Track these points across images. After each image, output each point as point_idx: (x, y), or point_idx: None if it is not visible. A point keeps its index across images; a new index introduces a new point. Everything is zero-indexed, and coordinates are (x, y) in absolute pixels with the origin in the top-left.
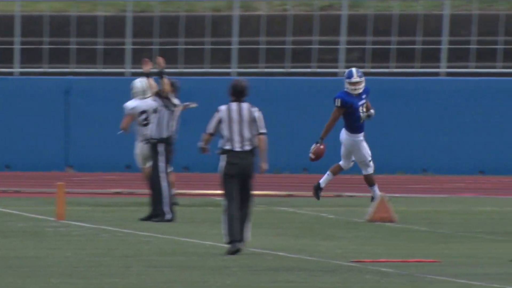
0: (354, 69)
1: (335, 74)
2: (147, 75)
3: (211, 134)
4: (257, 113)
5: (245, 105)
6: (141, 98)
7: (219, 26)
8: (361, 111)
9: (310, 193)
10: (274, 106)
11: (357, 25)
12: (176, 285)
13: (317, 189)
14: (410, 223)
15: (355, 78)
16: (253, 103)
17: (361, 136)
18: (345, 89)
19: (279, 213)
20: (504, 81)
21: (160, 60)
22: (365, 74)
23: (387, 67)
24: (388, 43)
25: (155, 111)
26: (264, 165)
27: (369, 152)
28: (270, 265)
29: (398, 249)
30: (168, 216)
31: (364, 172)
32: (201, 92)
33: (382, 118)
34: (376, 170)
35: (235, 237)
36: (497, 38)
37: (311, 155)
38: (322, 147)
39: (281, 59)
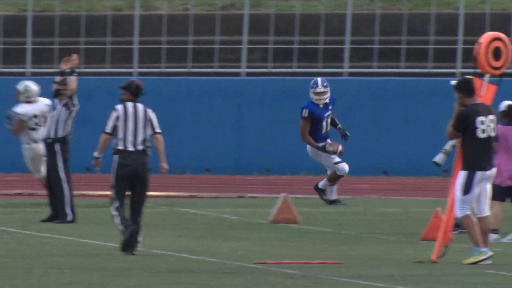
0: (319, 79)
1: (237, 74)
2: (61, 73)
3: (110, 134)
4: (152, 114)
5: (140, 106)
6: (30, 101)
7: (120, 26)
8: (324, 121)
9: (213, 194)
10: (176, 106)
11: (259, 24)
12: (78, 286)
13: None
14: (314, 224)
15: (320, 88)
16: (155, 103)
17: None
18: (311, 99)
19: (181, 214)
20: (407, 81)
21: (75, 57)
22: (267, 74)
23: (290, 67)
24: (291, 42)
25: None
26: (165, 165)
27: (332, 156)
28: (172, 267)
29: (301, 250)
30: (69, 217)
31: (337, 172)
32: (102, 92)
33: (285, 118)
34: (278, 171)
35: (129, 223)
36: (400, 38)
37: (339, 150)
38: (332, 143)
39: (183, 59)
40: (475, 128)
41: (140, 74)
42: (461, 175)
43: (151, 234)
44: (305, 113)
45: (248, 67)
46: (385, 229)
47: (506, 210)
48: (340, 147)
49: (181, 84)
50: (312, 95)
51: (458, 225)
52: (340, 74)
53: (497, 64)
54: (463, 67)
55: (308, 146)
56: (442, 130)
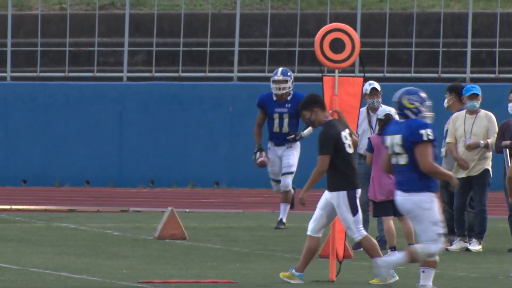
0: (281, 68)
1: (119, 78)
2: None
3: None
4: None
5: None
6: None
7: None
8: (275, 118)
9: (94, 208)
10: (52, 113)
11: (141, 25)
12: None
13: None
14: (203, 240)
15: (278, 76)
16: (29, 110)
17: (273, 146)
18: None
19: (60, 229)
20: (301, 86)
21: None
22: (151, 78)
23: (176, 71)
24: (176, 45)
25: None
26: None
27: (273, 169)
28: (51, 286)
29: (190, 269)
30: None
31: None
32: None
33: (171, 125)
34: (163, 183)
35: None
36: (293, 40)
37: (257, 162)
38: (259, 158)
39: (60, 62)
40: (343, 144)
41: (13, 78)
42: (343, 197)
43: (27, 251)
44: (257, 101)
45: (130, 71)
46: (280, 245)
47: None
48: (258, 160)
49: (58, 90)
50: (271, 84)
51: None
52: (230, 78)
53: (339, 57)
54: (363, 71)
55: None
56: None
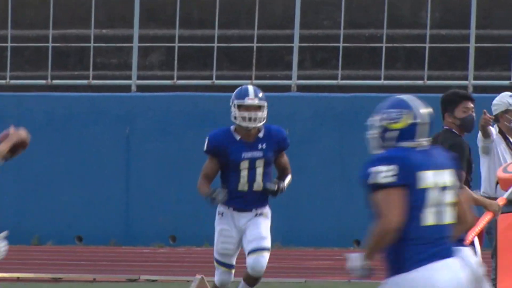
0: (251, 86)
1: (127, 88)
2: None
3: None
4: None
5: None
6: None
7: None
8: (243, 168)
9: (89, 277)
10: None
11: (158, 11)
12: None
13: None
14: None
15: (252, 99)
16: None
17: (232, 211)
18: (233, 119)
19: None
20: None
21: None
22: (171, 88)
23: (209, 78)
24: (210, 39)
25: None
26: None
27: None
28: None
29: None
30: None
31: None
32: None
33: (195, 157)
34: (189, 240)
35: None
36: (380, 32)
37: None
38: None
39: (42, 64)
40: None
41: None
42: None
43: None
44: (205, 145)
45: (141, 77)
46: None
47: None
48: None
49: (36, 104)
50: (235, 112)
51: None
52: (286, 88)
53: None
54: (476, 77)
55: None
56: None
